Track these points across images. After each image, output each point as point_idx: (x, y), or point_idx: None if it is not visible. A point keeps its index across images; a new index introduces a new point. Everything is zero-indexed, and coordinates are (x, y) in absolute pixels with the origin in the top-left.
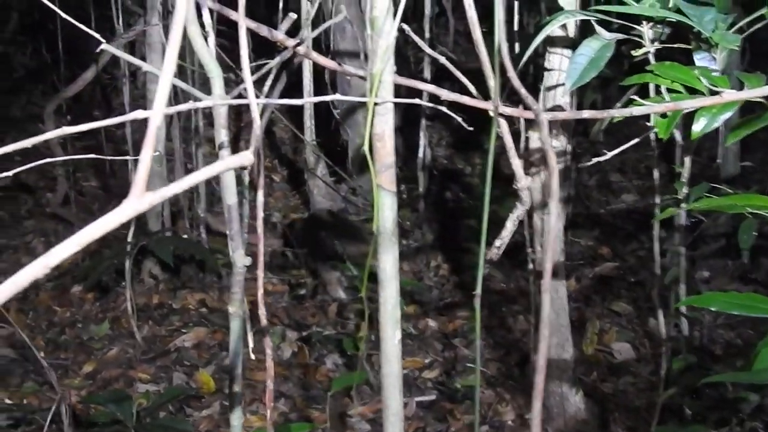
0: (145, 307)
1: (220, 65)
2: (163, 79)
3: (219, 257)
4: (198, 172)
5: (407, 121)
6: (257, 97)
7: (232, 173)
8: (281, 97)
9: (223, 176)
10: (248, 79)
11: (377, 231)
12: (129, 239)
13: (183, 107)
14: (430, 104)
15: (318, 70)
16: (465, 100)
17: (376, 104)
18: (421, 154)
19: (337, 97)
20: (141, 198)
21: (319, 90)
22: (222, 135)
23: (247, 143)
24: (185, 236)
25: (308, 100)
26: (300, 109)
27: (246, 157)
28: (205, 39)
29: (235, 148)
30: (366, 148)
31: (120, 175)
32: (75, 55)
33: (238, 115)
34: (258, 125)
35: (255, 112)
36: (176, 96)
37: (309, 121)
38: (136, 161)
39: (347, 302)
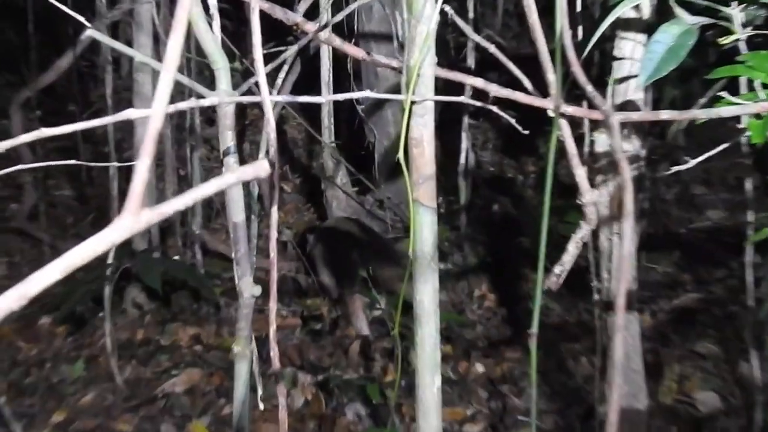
0: (127, 343)
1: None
2: (166, 72)
3: (217, 284)
4: (206, 185)
5: (446, 119)
6: (270, 93)
7: (240, 185)
8: (294, 88)
9: (230, 188)
10: (261, 71)
11: (413, 255)
12: (109, 261)
13: (185, 105)
14: (476, 102)
15: (338, 55)
16: (519, 96)
17: (413, 103)
18: (462, 159)
19: (367, 94)
20: (137, 215)
21: (339, 80)
22: (228, 138)
23: (252, 145)
24: (177, 258)
25: (331, 97)
26: (316, 104)
27: (262, 168)
28: (210, 24)
29: (238, 151)
30: (401, 155)
31: (99, 182)
32: (48, 38)
33: (241, 111)
34: (272, 128)
35: (269, 113)
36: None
37: (327, 119)
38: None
39: (373, 339)
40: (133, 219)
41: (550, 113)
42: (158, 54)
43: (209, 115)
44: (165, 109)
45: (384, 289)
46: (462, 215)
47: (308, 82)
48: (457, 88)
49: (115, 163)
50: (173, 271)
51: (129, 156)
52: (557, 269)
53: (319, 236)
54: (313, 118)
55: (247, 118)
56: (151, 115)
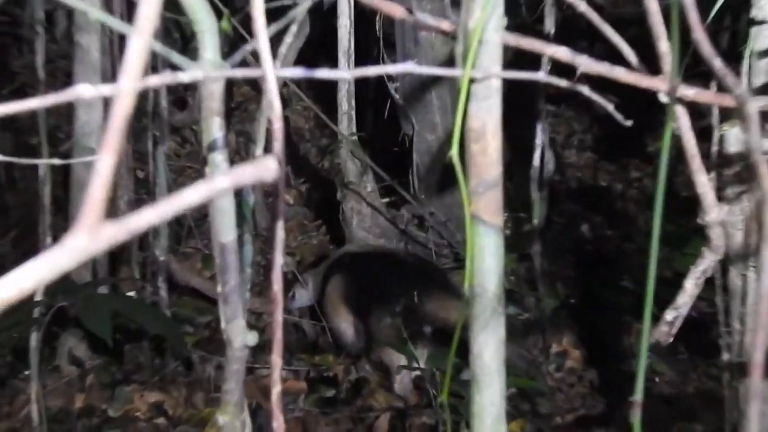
0: (61, 413)
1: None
2: (139, 35)
3: (189, 331)
4: (191, 191)
5: (515, 105)
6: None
7: (231, 194)
8: (299, 59)
9: (218, 197)
10: (262, 34)
11: (470, 292)
12: (37, 297)
13: (158, 81)
14: (559, 81)
15: (363, 12)
16: (619, 74)
17: (472, 81)
18: (537, 160)
19: (408, 68)
20: (95, 232)
21: (363, 49)
22: (215, 127)
23: (240, 138)
24: (132, 294)
25: (356, 73)
26: (331, 82)
27: (267, 168)
28: None
29: None
30: (453, 152)
31: (24, 186)
32: None
33: (226, 90)
34: (278, 114)
35: (273, 91)
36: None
37: (347, 103)
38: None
39: (411, 412)
40: (90, 237)
41: (663, 98)
42: (108, 6)
43: (179, 94)
44: (137, 85)
45: (425, 337)
46: (536, 240)
47: (319, 51)
48: (532, 61)
49: (48, 160)
50: (127, 312)
51: (66, 150)
52: (669, 315)
53: (335, 265)
54: (327, 101)
55: (233, 99)
56: (117, 95)
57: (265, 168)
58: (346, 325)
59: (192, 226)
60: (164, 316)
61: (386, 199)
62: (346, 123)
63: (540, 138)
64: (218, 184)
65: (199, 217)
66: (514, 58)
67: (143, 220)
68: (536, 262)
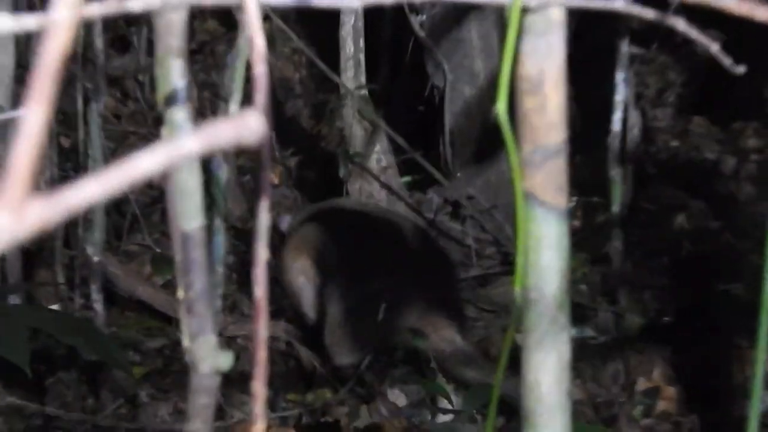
0: None
1: None
2: None
3: (134, 359)
4: (147, 156)
5: (586, 46)
6: None
7: (196, 166)
8: None
9: (180, 171)
10: None
11: (522, 299)
12: None
13: (100, 10)
14: (646, 13)
15: None
16: (730, 4)
17: (525, 10)
18: (616, 125)
19: None
20: (19, 210)
21: None
22: (175, 72)
23: (206, 91)
24: (56, 308)
25: None
26: (330, 12)
27: (249, 127)
28: None
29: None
30: (501, 109)
31: None
32: None
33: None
34: (260, 52)
35: (255, 22)
36: None
37: (352, 44)
38: None
39: None
40: (14, 216)
41: None
42: None
43: (119, 30)
44: (77, 15)
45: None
46: (615, 234)
47: None
48: None
49: None
50: (52, 330)
51: None
52: None
53: (317, 216)
54: (325, 42)
55: (194, 39)
56: (48, 28)
57: (247, 126)
58: (304, 281)
59: (138, 215)
60: (102, 337)
61: (407, 178)
62: (351, 72)
63: (622, 93)
64: (183, 147)
65: (147, 203)
66: None
67: (83, 195)
68: (616, 265)
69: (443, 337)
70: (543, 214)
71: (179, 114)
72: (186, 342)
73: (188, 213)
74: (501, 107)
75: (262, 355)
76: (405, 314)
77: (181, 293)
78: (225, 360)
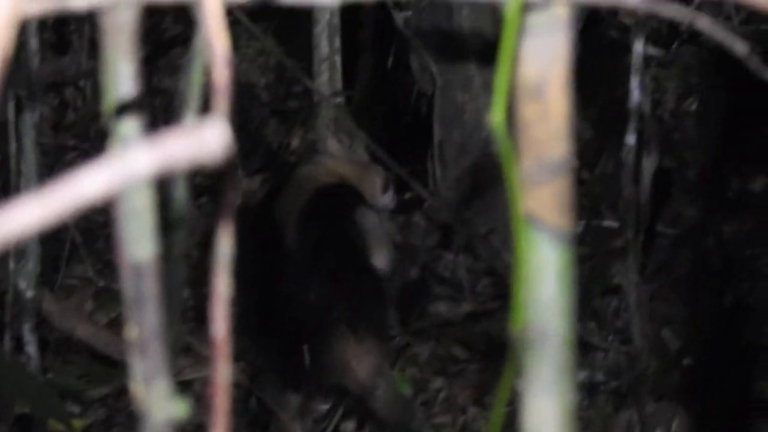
0: None
1: None
2: None
3: (73, 412)
4: (91, 176)
5: (594, 47)
6: None
7: (149, 185)
8: None
9: (128, 191)
10: None
11: (520, 337)
12: None
13: (40, 8)
14: (667, 8)
15: None
16: None
17: (524, 7)
18: (631, 137)
19: None
20: None
21: None
22: (124, 76)
23: (158, 98)
24: None
25: None
26: (303, 13)
27: (212, 140)
28: None
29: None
30: (497, 117)
31: None
32: None
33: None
34: (224, 55)
35: (216, 20)
36: None
37: (327, 45)
38: None
39: None
40: None
41: None
42: None
43: (58, 30)
44: (16, 14)
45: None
46: (631, 262)
47: None
48: None
49: None
50: None
51: None
52: None
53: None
54: (296, 42)
55: (146, 41)
56: None
57: (206, 140)
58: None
59: (78, 243)
60: (35, 385)
61: (390, 197)
62: (326, 76)
63: (637, 100)
64: (134, 164)
65: (89, 229)
66: None
67: (15, 221)
68: (631, 298)
69: (369, 371)
70: (545, 238)
71: (129, 125)
72: (135, 388)
73: (139, 240)
74: (497, 116)
75: (221, 402)
76: (329, 352)
77: (130, 332)
78: (180, 408)
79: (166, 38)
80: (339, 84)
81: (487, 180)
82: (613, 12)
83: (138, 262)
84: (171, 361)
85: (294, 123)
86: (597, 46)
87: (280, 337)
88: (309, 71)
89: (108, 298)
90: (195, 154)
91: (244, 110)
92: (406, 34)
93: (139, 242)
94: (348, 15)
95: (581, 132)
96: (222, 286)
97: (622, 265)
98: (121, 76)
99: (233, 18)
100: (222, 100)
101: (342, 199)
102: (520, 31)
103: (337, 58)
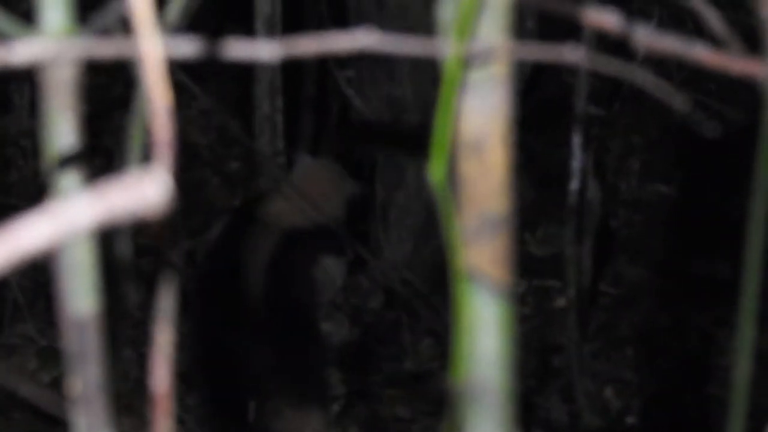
0: None
1: None
2: None
3: None
4: (28, 228)
5: (538, 106)
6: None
7: (89, 239)
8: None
9: (70, 246)
10: None
11: (461, 390)
12: None
13: None
14: (610, 64)
15: None
16: (700, 54)
17: (463, 65)
18: (573, 195)
19: (363, 40)
20: None
21: (295, 15)
22: (65, 131)
23: (100, 158)
24: None
25: (282, 50)
26: (244, 67)
27: (154, 191)
28: None
29: None
30: (435, 171)
31: None
32: None
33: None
34: (165, 110)
35: (156, 76)
36: None
37: (268, 103)
38: None
39: None
40: None
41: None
42: None
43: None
44: None
45: None
46: (573, 323)
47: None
48: (563, 33)
49: None
50: None
51: None
52: None
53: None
54: (238, 101)
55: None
56: None
57: (147, 193)
58: None
59: (19, 303)
60: None
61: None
62: (268, 136)
63: (579, 159)
64: (72, 216)
65: (31, 287)
66: (538, 30)
67: None
68: (573, 360)
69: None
70: (485, 293)
71: (69, 179)
72: None
73: (80, 295)
74: (436, 171)
75: None
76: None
77: (72, 387)
78: None
79: (111, 97)
80: (281, 143)
81: (429, 239)
82: (555, 71)
83: (79, 316)
84: (113, 416)
85: (236, 184)
86: (538, 105)
87: (229, 390)
88: (251, 131)
89: (51, 357)
90: (136, 206)
91: (187, 170)
92: (348, 92)
93: (80, 296)
94: (290, 74)
95: (523, 192)
96: (164, 343)
97: (564, 324)
98: (62, 131)
99: (175, 79)
100: (163, 152)
101: (306, 246)
102: (460, 87)
103: (279, 118)
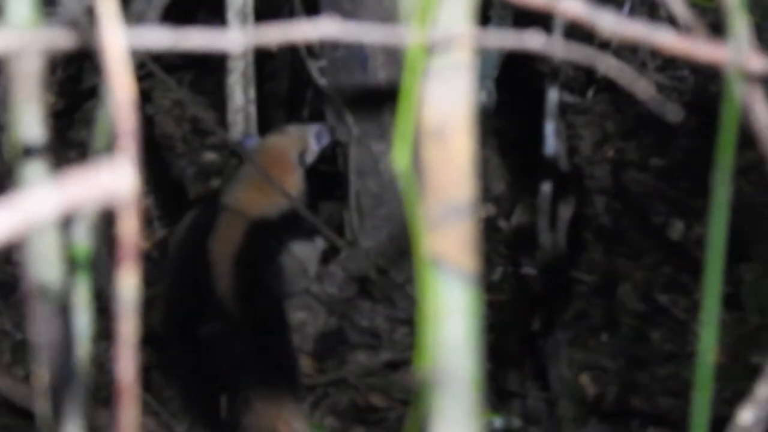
0: None
1: None
2: None
3: None
4: None
5: (512, 94)
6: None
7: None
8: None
9: (37, 236)
10: None
11: (426, 381)
12: None
13: None
14: (577, 52)
15: None
16: (666, 41)
17: (426, 52)
18: (546, 184)
19: (329, 29)
20: None
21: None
22: (31, 121)
23: (72, 150)
24: None
25: (252, 39)
26: (215, 56)
27: (122, 180)
28: None
29: None
30: (399, 158)
31: None
32: None
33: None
34: (127, 103)
35: (119, 67)
36: None
37: (241, 94)
38: None
39: None
40: None
41: (730, 74)
42: None
43: None
44: None
45: None
46: (547, 308)
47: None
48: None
49: None
50: None
51: None
52: (747, 416)
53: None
54: (212, 91)
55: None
56: None
57: (113, 179)
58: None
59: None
60: None
61: (308, 248)
62: (241, 126)
63: (552, 147)
64: (38, 204)
65: (5, 282)
66: (514, 18)
67: None
68: (547, 345)
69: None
70: (450, 279)
71: (34, 168)
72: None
73: (48, 286)
74: (400, 158)
75: None
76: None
77: (38, 382)
78: None
79: (83, 89)
80: (255, 133)
81: (403, 229)
82: (529, 59)
83: (47, 305)
84: (81, 403)
85: (210, 174)
86: (512, 94)
87: (200, 383)
88: (222, 118)
89: (26, 351)
90: (100, 195)
91: (162, 161)
92: (321, 83)
93: (47, 288)
94: (263, 64)
95: (497, 179)
96: (128, 331)
97: (539, 312)
98: (27, 121)
99: (147, 71)
100: (127, 142)
101: (275, 234)
102: (423, 74)
103: (252, 109)
